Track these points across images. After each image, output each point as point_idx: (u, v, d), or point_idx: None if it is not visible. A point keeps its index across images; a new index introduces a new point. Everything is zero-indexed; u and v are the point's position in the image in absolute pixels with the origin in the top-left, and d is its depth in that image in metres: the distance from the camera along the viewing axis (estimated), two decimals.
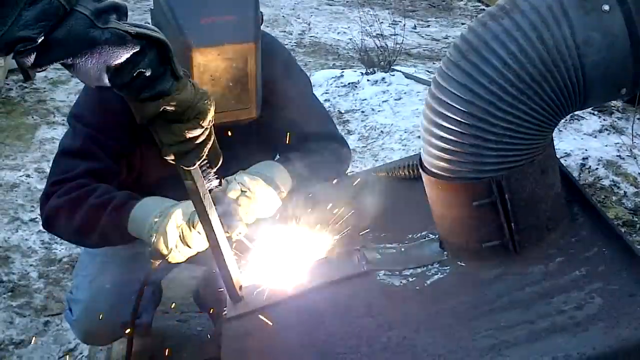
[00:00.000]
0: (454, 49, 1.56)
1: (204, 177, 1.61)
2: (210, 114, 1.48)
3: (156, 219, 1.93)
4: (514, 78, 1.48)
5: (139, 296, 2.05)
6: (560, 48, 1.46)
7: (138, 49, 1.33)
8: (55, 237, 3.71)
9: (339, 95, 5.89)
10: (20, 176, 4.48)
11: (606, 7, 1.46)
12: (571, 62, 1.47)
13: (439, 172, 1.62)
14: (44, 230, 2.31)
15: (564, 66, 1.47)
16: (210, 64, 1.95)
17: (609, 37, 1.46)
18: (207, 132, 1.50)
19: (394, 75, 6.03)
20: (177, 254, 1.92)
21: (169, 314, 3.13)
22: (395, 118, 5.25)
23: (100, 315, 2.33)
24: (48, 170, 4.37)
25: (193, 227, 1.89)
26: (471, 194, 1.59)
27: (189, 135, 1.46)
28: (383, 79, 5.97)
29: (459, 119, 1.52)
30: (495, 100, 1.49)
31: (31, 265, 3.59)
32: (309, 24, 9.12)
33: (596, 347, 1.35)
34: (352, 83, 6.04)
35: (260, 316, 1.66)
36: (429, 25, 9.43)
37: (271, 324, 1.64)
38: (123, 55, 1.31)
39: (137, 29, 1.33)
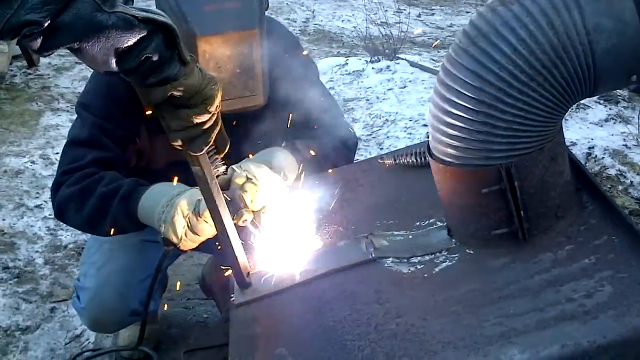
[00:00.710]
0: (463, 35, 1.54)
1: (211, 163, 1.61)
2: (218, 99, 1.47)
3: (163, 209, 1.93)
4: (523, 64, 1.46)
5: (153, 283, 2.05)
6: (570, 34, 1.45)
7: (145, 34, 1.32)
8: (61, 223, 3.73)
9: (343, 83, 5.87)
10: (25, 162, 4.48)
11: None
12: (581, 49, 1.46)
13: (447, 159, 1.61)
14: (56, 219, 2.31)
15: (574, 52, 1.46)
16: (215, 52, 1.94)
17: (620, 23, 1.45)
18: (214, 118, 1.50)
19: (398, 63, 6.00)
20: (188, 242, 1.93)
21: (174, 300, 3.13)
22: (400, 106, 5.22)
23: (108, 303, 2.34)
24: (53, 156, 4.44)
25: (200, 216, 1.89)
26: (480, 181, 1.58)
27: (197, 120, 1.45)
28: (388, 67, 5.95)
29: (468, 105, 1.51)
30: (504, 87, 1.47)
31: (37, 251, 3.59)
32: (313, 12, 9.10)
33: (606, 335, 1.34)
34: (357, 71, 6.02)
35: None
36: (433, 14, 9.40)
37: (279, 310, 1.64)
38: (130, 40, 1.31)
39: (143, 13, 1.32)
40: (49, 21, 1.22)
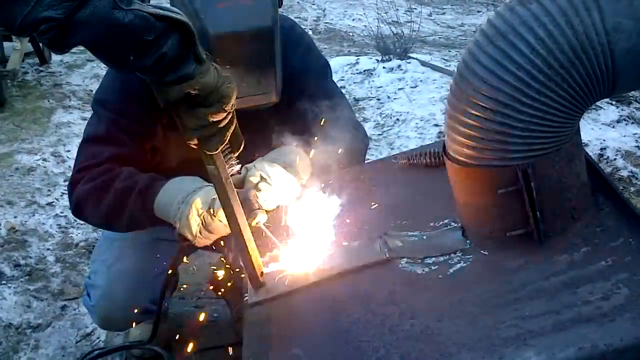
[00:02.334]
0: (481, 34, 1.53)
1: (225, 161, 1.60)
2: (233, 98, 1.47)
3: (179, 206, 1.94)
4: (542, 64, 1.45)
5: (167, 280, 2.06)
6: (589, 34, 1.44)
7: (161, 32, 1.32)
8: (72, 221, 3.75)
9: (354, 83, 5.87)
10: (37, 160, 4.49)
11: None
12: (600, 49, 1.44)
13: (463, 159, 1.60)
14: (73, 216, 2.32)
15: (593, 53, 1.45)
16: (228, 50, 1.93)
17: None
18: (229, 116, 1.49)
19: (409, 62, 6.00)
20: (202, 239, 1.93)
21: (185, 299, 3.13)
22: (411, 106, 5.22)
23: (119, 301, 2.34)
24: (64, 154, 4.45)
25: (214, 214, 1.89)
26: (496, 182, 1.57)
27: (212, 119, 1.45)
28: (399, 66, 5.95)
29: (485, 105, 1.50)
30: (522, 87, 1.46)
31: (48, 249, 3.60)
32: (323, 10, 9.10)
33: (623, 338, 1.33)
34: (368, 70, 6.02)
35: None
36: (444, 13, 9.39)
37: (293, 310, 1.64)
38: (146, 38, 1.30)
39: (160, 11, 1.32)
40: (66, 18, 1.22)
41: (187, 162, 1.98)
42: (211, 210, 1.89)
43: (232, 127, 1.52)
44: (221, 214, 1.82)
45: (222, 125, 1.48)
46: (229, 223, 1.69)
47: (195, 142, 1.49)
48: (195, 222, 1.90)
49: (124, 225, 2.11)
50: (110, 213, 2.09)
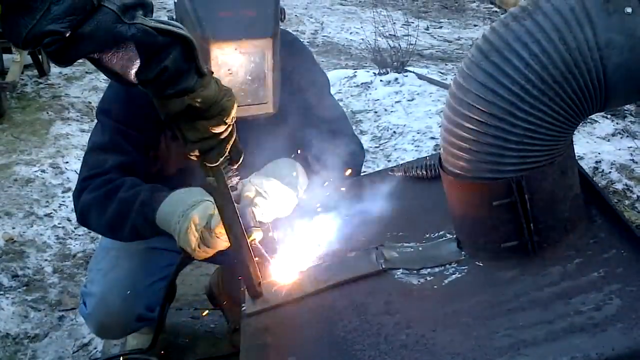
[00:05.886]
0: (476, 49, 1.56)
1: (225, 173, 1.63)
2: (234, 111, 1.50)
3: (179, 219, 1.95)
4: (535, 79, 1.48)
5: (168, 289, 2.07)
6: (582, 50, 1.47)
7: (163, 45, 1.34)
8: (70, 232, 3.76)
9: (351, 95, 5.89)
10: (35, 171, 4.49)
11: (629, 10, 1.46)
12: (593, 64, 1.47)
13: (458, 171, 1.63)
14: (80, 224, 2.34)
15: (586, 68, 1.47)
16: (227, 58, 1.96)
17: (632, 39, 1.46)
18: (230, 129, 1.52)
19: (406, 76, 6.02)
20: (202, 253, 1.95)
21: (182, 310, 3.14)
22: (408, 119, 5.24)
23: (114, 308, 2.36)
24: (63, 165, 4.46)
25: (212, 230, 1.91)
26: (491, 194, 1.59)
27: (213, 131, 1.47)
28: (396, 79, 5.97)
29: (480, 119, 1.53)
30: (516, 101, 1.49)
31: (46, 260, 3.61)
32: (321, 24, 9.15)
33: (615, 347, 1.35)
34: (365, 83, 6.05)
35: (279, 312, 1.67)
36: (441, 27, 9.43)
37: (289, 320, 1.65)
38: (148, 51, 1.33)
39: (162, 25, 1.34)
40: (71, 31, 1.24)
41: (190, 172, 2.01)
42: (209, 226, 1.91)
43: (232, 140, 1.55)
44: (218, 230, 1.84)
45: (222, 137, 1.50)
46: (227, 234, 1.71)
47: (196, 154, 1.52)
48: (193, 237, 1.92)
49: (127, 235, 2.13)
50: (113, 222, 2.12)
